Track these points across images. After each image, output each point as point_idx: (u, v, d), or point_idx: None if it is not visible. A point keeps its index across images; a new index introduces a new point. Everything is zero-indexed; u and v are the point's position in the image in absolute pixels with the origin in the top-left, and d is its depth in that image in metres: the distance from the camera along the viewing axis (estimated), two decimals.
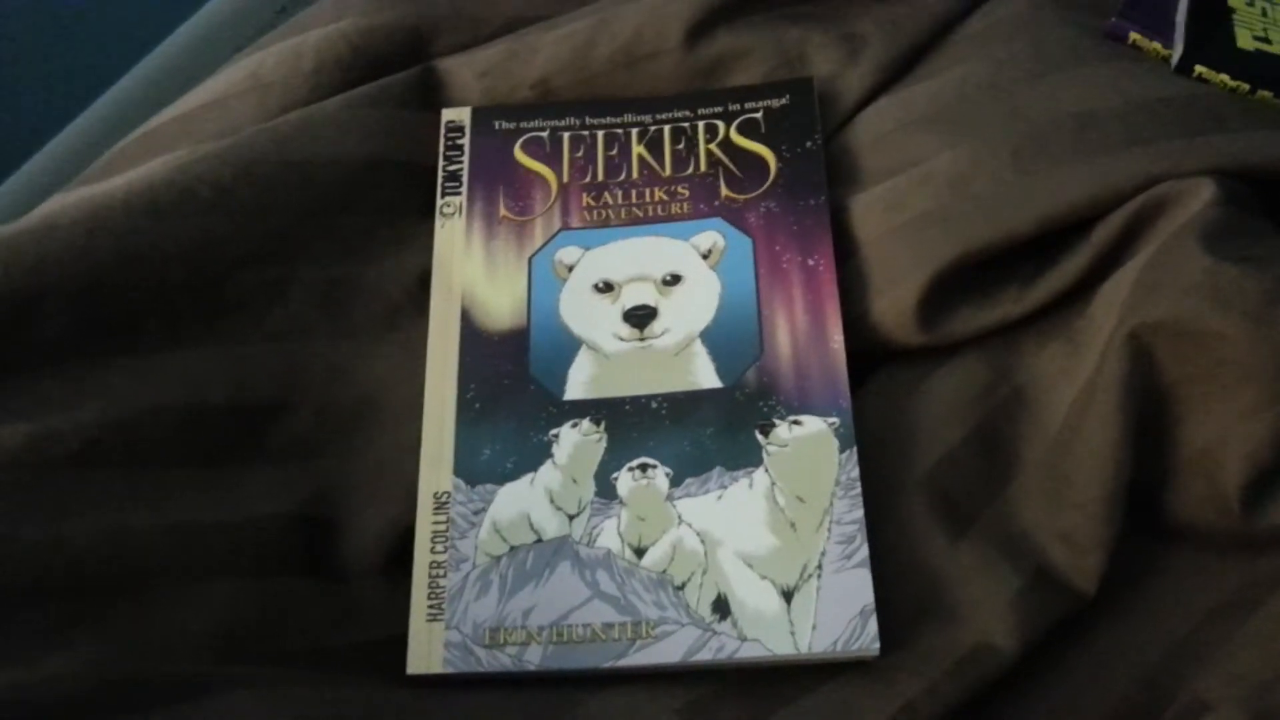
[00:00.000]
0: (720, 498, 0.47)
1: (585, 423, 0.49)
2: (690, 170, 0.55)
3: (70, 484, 0.45)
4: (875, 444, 0.49)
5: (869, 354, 0.51)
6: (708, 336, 0.50)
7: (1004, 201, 0.50)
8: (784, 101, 0.56)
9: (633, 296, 0.52)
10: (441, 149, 0.56)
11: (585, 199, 0.55)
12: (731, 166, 0.55)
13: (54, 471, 0.45)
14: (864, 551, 0.45)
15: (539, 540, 0.47)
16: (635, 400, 0.49)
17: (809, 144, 0.55)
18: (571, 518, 0.47)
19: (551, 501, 0.48)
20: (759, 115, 0.56)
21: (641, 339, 0.51)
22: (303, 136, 0.54)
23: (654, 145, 0.56)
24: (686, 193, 0.54)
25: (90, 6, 0.95)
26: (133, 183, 0.52)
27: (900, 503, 0.47)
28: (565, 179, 0.55)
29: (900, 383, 0.51)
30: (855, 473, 0.47)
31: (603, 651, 0.45)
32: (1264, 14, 0.57)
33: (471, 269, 0.53)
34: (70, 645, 0.42)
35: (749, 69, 0.58)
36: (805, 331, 0.50)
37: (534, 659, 0.45)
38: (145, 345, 0.50)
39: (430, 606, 0.46)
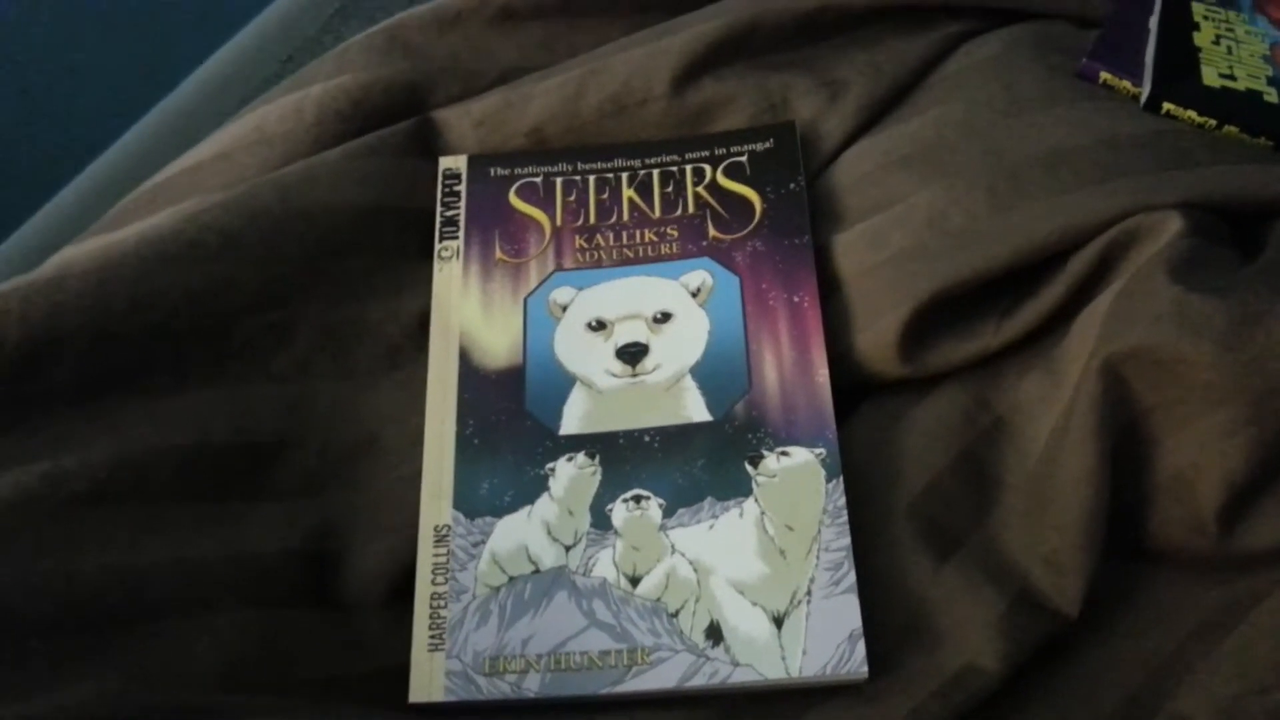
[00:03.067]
0: (712, 527, 0.48)
1: (580, 456, 0.50)
2: (679, 212, 0.57)
3: (82, 521, 0.47)
4: (862, 473, 0.50)
5: (855, 386, 0.53)
6: (697, 372, 0.52)
7: (980, 237, 0.52)
8: (768, 145, 0.58)
9: (625, 334, 0.53)
10: (439, 195, 0.58)
11: (578, 241, 0.57)
12: (718, 208, 0.57)
13: (67, 509, 0.47)
14: (851, 577, 0.47)
15: (537, 571, 0.48)
16: (628, 434, 0.51)
17: (792, 185, 0.57)
18: (568, 548, 0.49)
19: (548, 533, 0.49)
20: (744, 159, 0.58)
21: (634, 375, 0.52)
22: (305, 185, 0.56)
23: (644, 189, 0.58)
24: (676, 234, 0.56)
25: (103, 58, 0.97)
26: (143, 232, 0.53)
27: (886, 529, 0.49)
28: (558, 222, 0.57)
29: (885, 414, 0.52)
30: (842, 501, 0.48)
31: (599, 678, 0.46)
32: (1229, 52, 0.59)
33: (469, 310, 0.55)
34: (79, 678, 0.43)
35: (734, 114, 0.60)
36: (791, 366, 0.52)
37: (533, 687, 0.46)
38: (155, 388, 0.51)
39: (431, 637, 0.47)
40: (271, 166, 0.59)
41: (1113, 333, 0.48)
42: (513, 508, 0.50)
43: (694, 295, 0.54)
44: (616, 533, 0.49)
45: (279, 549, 0.49)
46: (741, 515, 0.48)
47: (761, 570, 0.47)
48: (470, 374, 0.53)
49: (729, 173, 0.58)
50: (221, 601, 0.47)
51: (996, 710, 0.45)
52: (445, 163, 0.59)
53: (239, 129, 0.61)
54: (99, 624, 0.45)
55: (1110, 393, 0.47)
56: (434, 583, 0.48)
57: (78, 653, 0.44)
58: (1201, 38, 0.60)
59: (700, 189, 0.57)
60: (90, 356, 0.50)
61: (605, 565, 0.48)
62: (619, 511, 0.49)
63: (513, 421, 0.52)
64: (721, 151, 0.58)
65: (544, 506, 0.50)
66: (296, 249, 0.55)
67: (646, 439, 0.51)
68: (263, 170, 0.58)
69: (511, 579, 0.48)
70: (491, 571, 0.48)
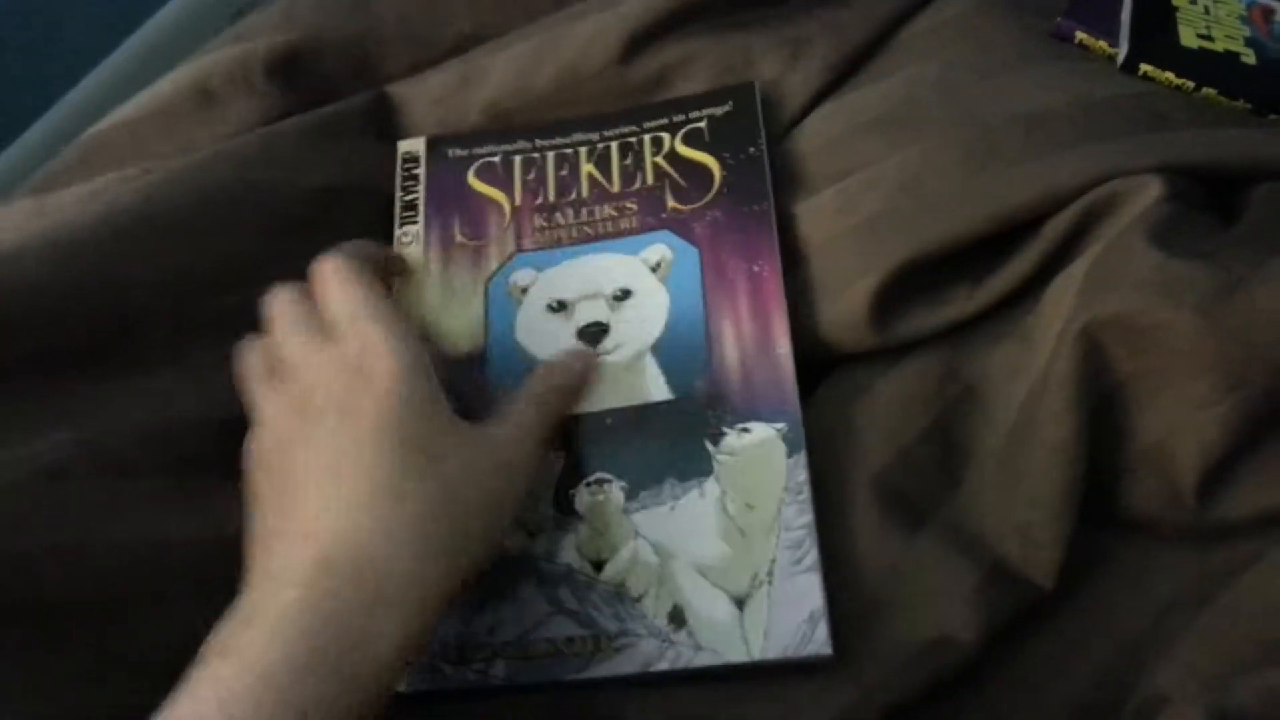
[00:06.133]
0: (673, 509, 0.47)
1: None
2: (638, 185, 0.55)
3: (36, 505, 0.45)
4: (828, 446, 0.49)
5: (823, 358, 0.52)
6: (658, 349, 0.51)
7: (954, 201, 0.51)
8: (727, 108, 0.56)
9: (585, 314, 0.52)
10: (398, 180, 0.57)
11: (537, 220, 0.55)
12: (677, 177, 0.55)
13: (20, 492, 0.45)
14: (813, 556, 0.45)
15: (501, 558, 0.47)
16: (589, 416, 0.50)
17: (752, 150, 0.55)
18: (532, 535, 0.48)
19: (513, 519, 0.48)
20: (703, 124, 0.56)
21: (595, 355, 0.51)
22: (261, 163, 0.55)
23: (602, 162, 0.56)
24: (635, 207, 0.55)
25: (46, 11, 0.95)
26: (97, 210, 0.52)
27: (853, 502, 0.47)
28: (518, 202, 0.56)
29: (853, 384, 0.51)
30: (803, 478, 0.47)
31: (566, 665, 0.45)
32: (1206, 12, 0.57)
33: (430, 295, 0.54)
34: (37, 669, 0.42)
35: (693, 78, 0.58)
36: (752, 339, 0.50)
37: (499, 674, 0.45)
38: (110, 371, 0.50)
39: None
40: (214, 128, 0.57)
41: (1091, 299, 0.46)
42: None
43: (654, 270, 0.53)
44: (580, 517, 0.48)
45: (243, 532, 0.48)
46: (702, 495, 0.47)
47: (723, 551, 0.46)
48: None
49: (688, 140, 0.56)
50: (185, 586, 0.46)
51: (966, 685, 0.44)
52: (403, 146, 0.58)
53: (179, 84, 0.59)
54: (56, 612, 0.44)
55: (1088, 360, 0.46)
56: None
57: (34, 642, 0.43)
58: None
59: (659, 159, 0.56)
60: (42, 339, 0.49)
61: (569, 551, 0.47)
62: (582, 496, 0.48)
63: (475, 407, 0.50)
64: (680, 118, 0.57)
65: None
66: (254, 228, 0.54)
67: (608, 420, 0.49)
68: (212, 136, 0.57)
69: None
70: None
